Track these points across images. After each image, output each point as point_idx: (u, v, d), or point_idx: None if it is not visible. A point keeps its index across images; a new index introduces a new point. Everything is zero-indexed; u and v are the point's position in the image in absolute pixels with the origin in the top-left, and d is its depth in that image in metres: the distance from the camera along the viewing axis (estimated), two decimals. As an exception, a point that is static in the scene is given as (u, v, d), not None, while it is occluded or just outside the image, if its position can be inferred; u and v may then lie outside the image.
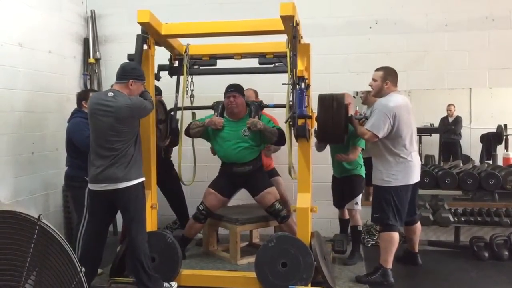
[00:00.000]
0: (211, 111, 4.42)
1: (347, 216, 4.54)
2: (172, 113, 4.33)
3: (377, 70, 3.93)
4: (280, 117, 4.61)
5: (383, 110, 3.72)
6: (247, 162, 4.22)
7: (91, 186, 3.49)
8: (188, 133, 4.33)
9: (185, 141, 4.36)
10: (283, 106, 3.94)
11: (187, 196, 4.97)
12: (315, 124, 3.91)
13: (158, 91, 4.54)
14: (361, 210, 4.42)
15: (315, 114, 3.84)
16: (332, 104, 3.75)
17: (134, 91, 3.49)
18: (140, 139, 3.59)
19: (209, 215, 4.36)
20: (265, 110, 4.84)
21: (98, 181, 3.40)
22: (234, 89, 4.17)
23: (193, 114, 4.45)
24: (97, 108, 3.39)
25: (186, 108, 4.29)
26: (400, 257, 4.35)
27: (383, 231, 3.87)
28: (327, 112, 3.76)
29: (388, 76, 3.85)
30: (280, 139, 4.13)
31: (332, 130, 3.79)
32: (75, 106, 4.24)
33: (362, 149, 4.31)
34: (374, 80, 3.90)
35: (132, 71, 3.50)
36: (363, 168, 4.44)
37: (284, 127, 3.90)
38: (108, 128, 3.36)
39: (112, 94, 3.41)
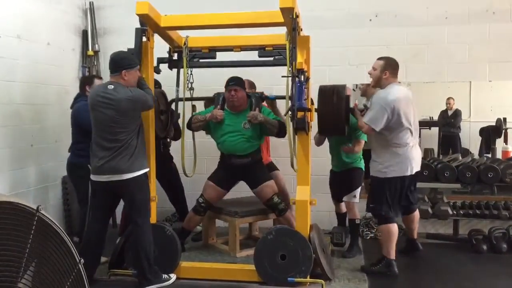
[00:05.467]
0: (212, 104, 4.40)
1: (344, 210, 4.54)
2: (173, 107, 4.32)
3: (378, 59, 3.90)
4: (280, 109, 4.60)
5: (381, 103, 3.70)
6: (246, 155, 4.22)
7: (93, 177, 3.48)
8: (190, 127, 4.32)
9: (186, 134, 4.34)
10: (283, 97, 3.92)
11: (186, 189, 4.97)
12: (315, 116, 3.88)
13: (158, 85, 4.52)
14: (358, 204, 4.41)
15: (315, 107, 3.83)
16: (333, 96, 3.72)
17: (130, 80, 3.46)
18: (143, 130, 3.58)
19: (209, 208, 4.37)
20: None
21: (102, 172, 3.40)
22: (235, 83, 4.16)
23: (193, 107, 4.44)
24: (98, 101, 3.39)
25: (187, 99, 4.25)
26: (402, 249, 4.36)
27: (380, 223, 3.89)
28: (327, 103, 3.72)
29: (388, 66, 3.82)
30: (280, 131, 4.11)
31: (333, 121, 3.75)
32: (73, 99, 4.24)
33: (365, 142, 4.31)
34: (374, 68, 3.88)
35: (122, 61, 3.47)
36: (363, 161, 4.42)
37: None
38: (110, 121, 3.35)
39: (113, 86, 3.39)
